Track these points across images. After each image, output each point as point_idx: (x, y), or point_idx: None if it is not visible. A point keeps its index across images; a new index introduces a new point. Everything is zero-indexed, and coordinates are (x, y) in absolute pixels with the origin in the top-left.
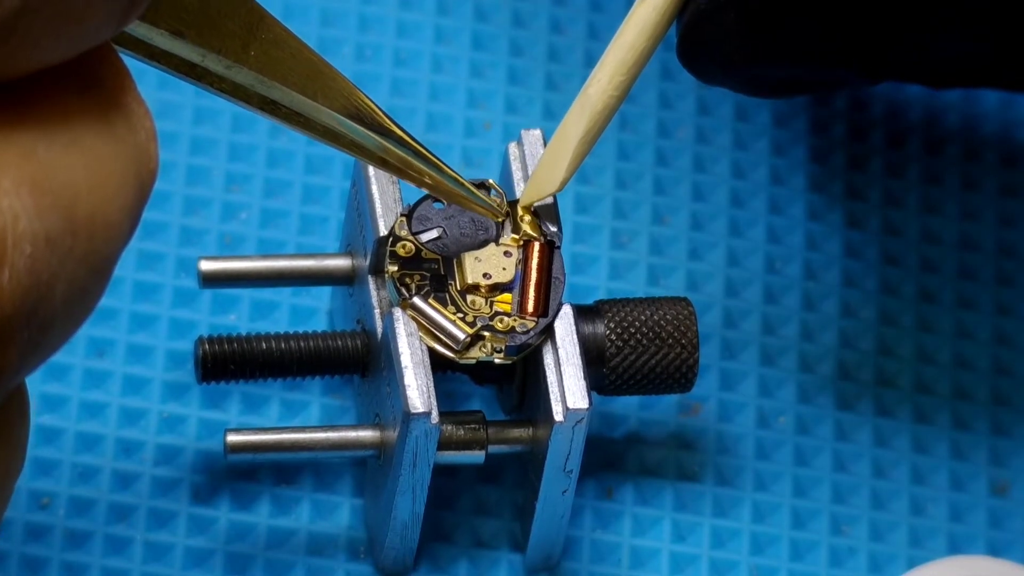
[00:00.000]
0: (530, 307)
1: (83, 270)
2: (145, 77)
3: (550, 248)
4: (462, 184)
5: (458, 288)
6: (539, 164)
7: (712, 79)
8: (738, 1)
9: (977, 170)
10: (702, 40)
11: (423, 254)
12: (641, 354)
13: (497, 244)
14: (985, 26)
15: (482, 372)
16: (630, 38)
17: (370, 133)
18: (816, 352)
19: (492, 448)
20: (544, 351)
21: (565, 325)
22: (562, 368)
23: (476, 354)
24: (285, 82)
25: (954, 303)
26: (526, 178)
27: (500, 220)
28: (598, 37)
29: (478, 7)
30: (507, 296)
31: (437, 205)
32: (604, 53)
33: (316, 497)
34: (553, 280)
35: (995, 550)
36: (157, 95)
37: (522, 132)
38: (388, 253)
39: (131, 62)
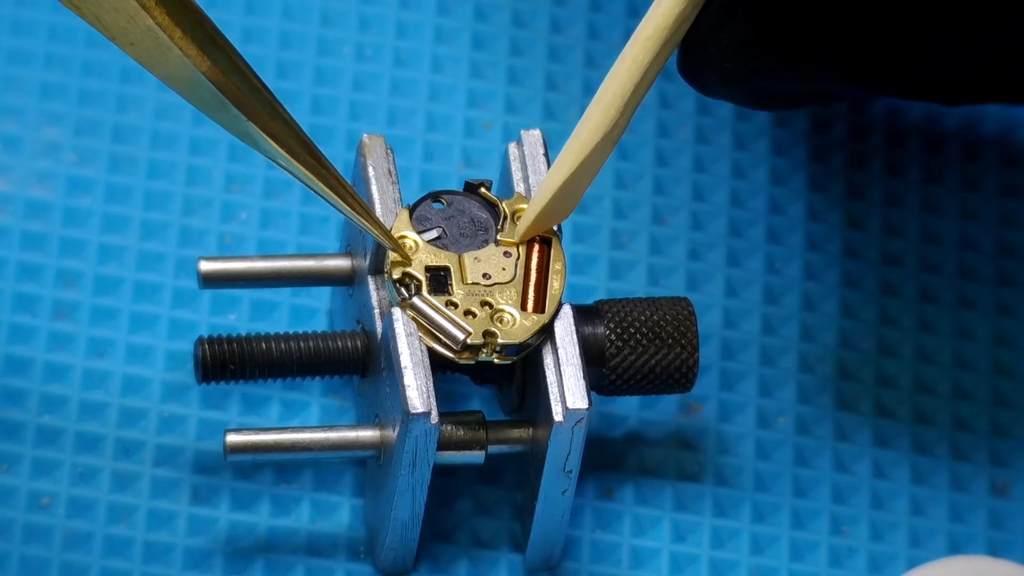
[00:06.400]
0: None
1: None
2: (147, 77)
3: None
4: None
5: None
6: (543, 195)
7: (713, 92)
8: (740, 16)
9: (977, 170)
10: (704, 54)
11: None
12: (641, 354)
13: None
14: (985, 43)
15: (482, 372)
16: (634, 62)
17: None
18: (816, 352)
19: (492, 448)
20: (544, 351)
21: (565, 325)
22: (562, 368)
23: (476, 354)
24: None
25: (954, 303)
26: (526, 178)
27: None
28: (598, 37)
29: (478, 7)
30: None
31: (437, 205)
32: (607, 77)
33: (316, 497)
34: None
35: (995, 550)
36: (157, 95)
37: (522, 132)
38: (388, 253)
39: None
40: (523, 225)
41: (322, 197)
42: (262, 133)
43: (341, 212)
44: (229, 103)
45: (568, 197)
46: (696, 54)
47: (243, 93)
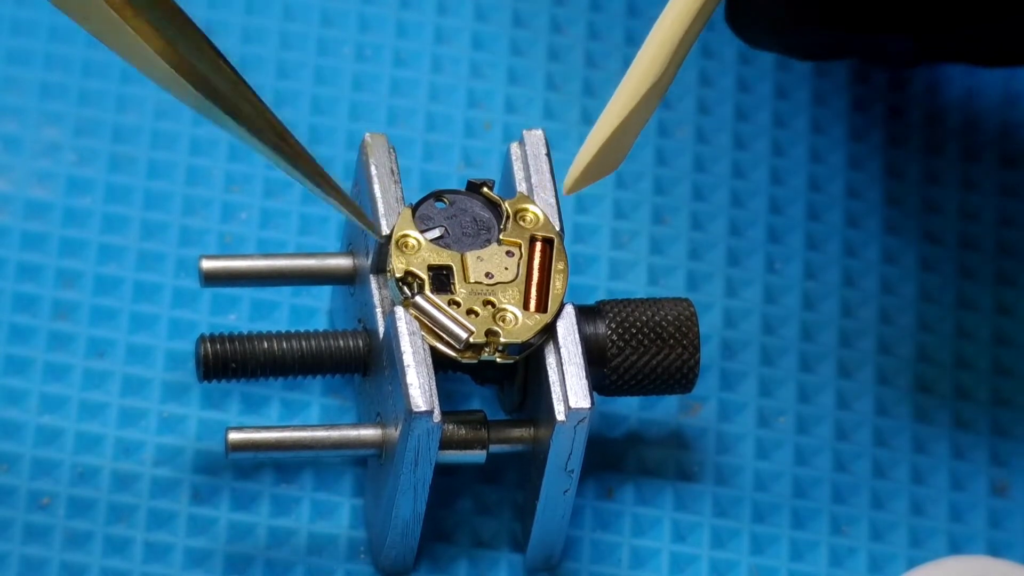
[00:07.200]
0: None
1: None
2: (146, 78)
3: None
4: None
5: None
6: (591, 147)
7: (758, 43)
8: None
9: (977, 170)
10: (751, 3)
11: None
12: (642, 354)
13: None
14: (985, 43)
15: (483, 371)
16: (682, 10)
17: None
18: (816, 352)
19: (493, 448)
20: (546, 351)
21: (567, 325)
22: (564, 368)
23: (478, 353)
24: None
25: (954, 303)
26: (528, 178)
27: (380, 239)
28: (598, 37)
29: (478, 7)
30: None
31: (439, 205)
32: (654, 27)
33: (316, 497)
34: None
35: (995, 550)
36: (158, 95)
37: (524, 132)
38: (390, 252)
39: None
40: (571, 177)
41: (291, 176)
42: (222, 112)
43: (305, 186)
44: (186, 82)
45: (616, 149)
46: (743, 3)
47: (200, 72)
